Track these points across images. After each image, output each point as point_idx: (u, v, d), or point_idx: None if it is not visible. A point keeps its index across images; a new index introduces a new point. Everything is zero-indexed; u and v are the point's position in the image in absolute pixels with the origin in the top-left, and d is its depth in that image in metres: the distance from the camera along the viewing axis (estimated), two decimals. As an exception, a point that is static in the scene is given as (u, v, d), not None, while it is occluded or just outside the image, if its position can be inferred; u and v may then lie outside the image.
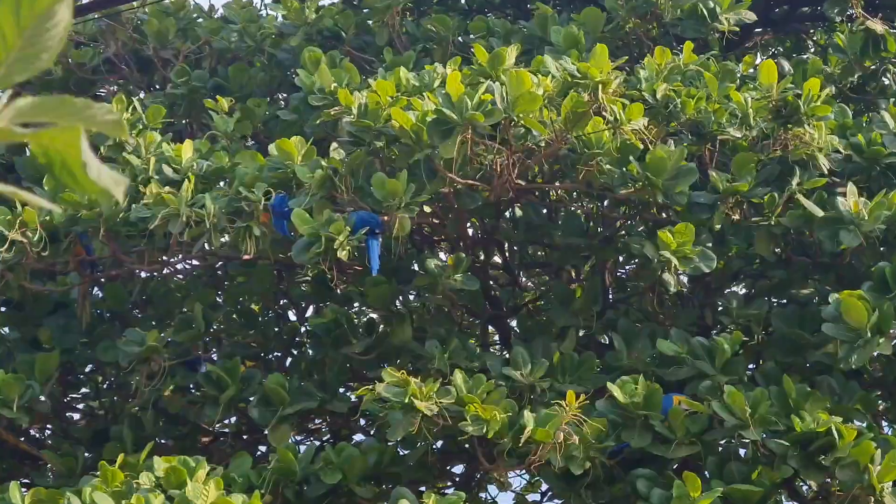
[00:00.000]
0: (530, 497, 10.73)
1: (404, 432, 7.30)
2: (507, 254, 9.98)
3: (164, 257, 8.48)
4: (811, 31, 12.16)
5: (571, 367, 7.98)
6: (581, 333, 8.90)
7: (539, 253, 10.19)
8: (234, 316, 9.64)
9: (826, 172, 8.33)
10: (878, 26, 9.86)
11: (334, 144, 8.24)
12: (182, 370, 8.56)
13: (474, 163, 7.80)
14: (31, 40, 1.76)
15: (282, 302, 9.91)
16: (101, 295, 9.37)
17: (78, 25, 9.96)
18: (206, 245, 8.03)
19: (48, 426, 8.93)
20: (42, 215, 8.15)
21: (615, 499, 7.57)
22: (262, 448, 8.88)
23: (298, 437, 8.75)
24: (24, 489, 7.09)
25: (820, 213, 8.02)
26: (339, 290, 8.92)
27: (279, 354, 9.63)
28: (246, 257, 8.11)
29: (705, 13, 9.54)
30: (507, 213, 9.24)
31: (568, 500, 7.66)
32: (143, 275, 8.97)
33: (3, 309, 8.78)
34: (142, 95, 10.32)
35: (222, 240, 8.01)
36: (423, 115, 7.73)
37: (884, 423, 9.30)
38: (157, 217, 7.82)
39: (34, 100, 1.81)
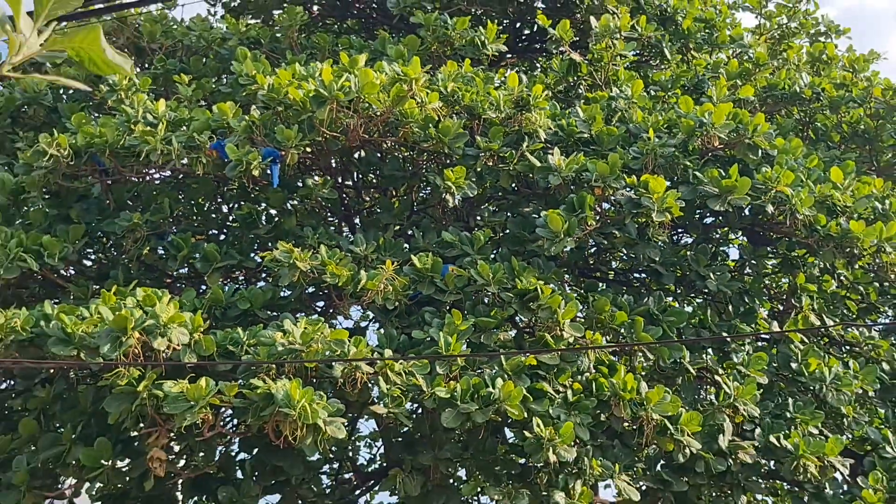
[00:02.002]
0: (363, 323, 10.76)
1: (289, 280, 7.26)
2: (354, 178, 9.94)
3: (147, 169, 8.26)
4: (539, 58, 12.26)
5: (390, 247, 8.01)
6: (397, 228, 8.93)
7: (374, 179, 10.16)
8: (190, 207, 9.44)
9: (543, 140, 8.47)
10: (577, 57, 9.98)
11: (253, 107, 8.10)
12: (155, 238, 8.37)
13: (337, 122, 7.73)
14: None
15: (218, 200, 9.70)
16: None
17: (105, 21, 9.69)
18: (173, 164, 7.84)
19: (72, 269, 8.67)
20: (70, 139, 7.85)
21: (412, 324, 7.59)
22: (203, 287, 8.75)
23: (225, 281, 8.64)
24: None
25: (538, 164, 8.15)
26: (253, 195, 8.84)
27: (215, 232, 9.46)
28: (198, 174, 7.93)
29: (478, 42, 9.55)
30: (356, 154, 9.15)
31: (385, 324, 7.67)
32: (133, 180, 8.70)
33: (46, 196, 8.47)
34: (137, 71, 9.98)
35: (183, 161, 7.82)
36: (308, 92, 7.69)
37: (567, 288, 9.52)
38: (144, 148, 7.63)
39: (72, 29, 1.74)
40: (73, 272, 8.79)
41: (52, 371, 7.46)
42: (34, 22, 1.72)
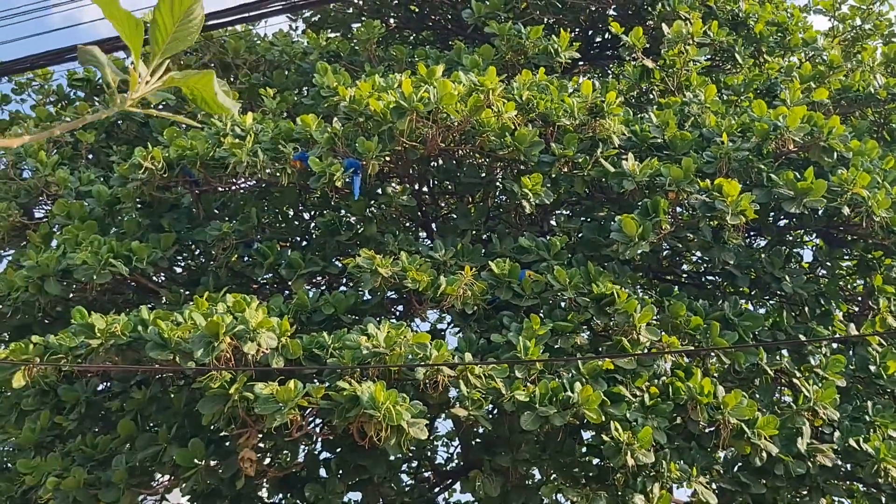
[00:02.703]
0: (439, 326, 10.77)
1: (371, 286, 7.31)
2: (432, 186, 9.97)
3: (234, 180, 8.39)
4: (612, 64, 12.17)
5: (468, 253, 7.98)
6: (473, 234, 8.88)
7: (450, 186, 10.19)
8: (274, 215, 9.53)
9: (616, 146, 8.38)
10: (650, 63, 9.88)
11: (335, 119, 8.16)
12: (242, 246, 8.50)
13: (416, 132, 7.76)
14: (179, 27, 1.78)
15: (301, 208, 9.78)
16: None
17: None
18: (258, 174, 7.95)
19: (164, 275, 8.87)
20: (163, 152, 8.04)
21: (490, 328, 7.57)
22: (288, 292, 8.84)
23: (309, 287, 8.71)
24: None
25: (612, 169, 8.06)
26: (334, 203, 8.91)
27: (299, 238, 9.54)
28: (282, 183, 8.02)
29: (551, 51, 9.51)
30: (433, 163, 9.15)
31: (464, 328, 7.68)
32: (220, 189, 8.84)
33: (139, 206, 8.68)
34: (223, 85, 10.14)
35: (267, 171, 7.92)
36: (388, 103, 7.71)
37: (641, 291, 9.44)
38: (231, 160, 7.76)
39: (187, 71, 1.85)
40: (164, 278, 8.99)
41: (147, 373, 7.65)
42: (150, 61, 1.81)
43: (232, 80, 10.39)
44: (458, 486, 10.15)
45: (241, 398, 6.33)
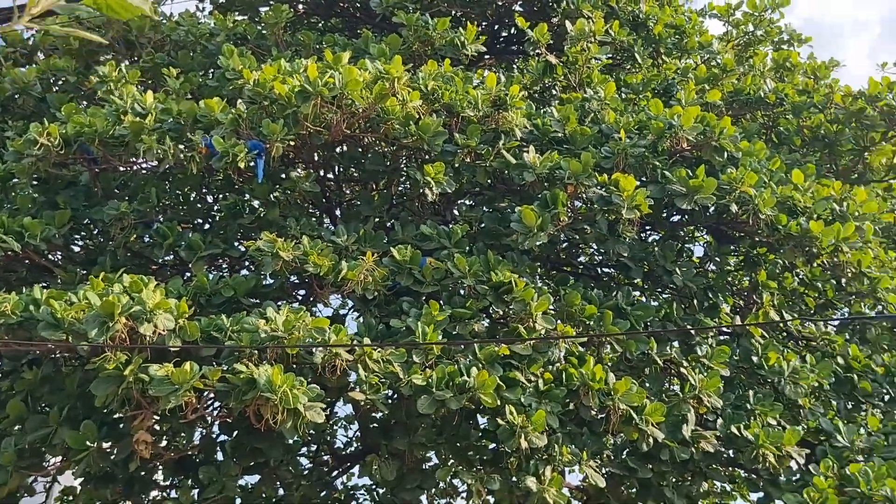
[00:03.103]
0: (342, 311, 10.71)
1: (272, 269, 7.21)
2: (336, 172, 9.90)
3: (135, 159, 8.15)
4: (516, 59, 12.28)
5: (370, 239, 7.94)
6: (377, 220, 8.83)
7: (355, 173, 10.13)
8: (176, 197, 9.30)
9: (519, 139, 8.47)
10: (553, 59, 10.00)
11: (239, 101, 8.02)
12: (142, 227, 8.29)
13: (321, 117, 7.69)
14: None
15: (204, 190, 9.59)
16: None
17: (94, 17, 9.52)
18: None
19: (59, 254, 8.59)
20: (60, 129, 7.78)
21: (390, 313, 7.55)
22: (188, 274, 8.68)
23: (209, 269, 8.54)
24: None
25: (514, 161, 8.15)
26: (238, 186, 8.76)
27: (200, 221, 9.34)
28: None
29: (458, 43, 9.55)
30: (338, 149, 9.08)
31: (365, 313, 7.66)
32: (121, 169, 8.61)
33: (35, 183, 8.38)
34: (126, 63, 9.87)
35: (172, 154, 7.71)
36: (293, 87, 7.63)
37: (539, 281, 9.55)
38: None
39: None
40: (60, 257, 8.72)
41: (39, 353, 7.41)
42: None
43: (136, 58, 10.11)
44: (356, 469, 10.14)
45: (136, 379, 6.17)
